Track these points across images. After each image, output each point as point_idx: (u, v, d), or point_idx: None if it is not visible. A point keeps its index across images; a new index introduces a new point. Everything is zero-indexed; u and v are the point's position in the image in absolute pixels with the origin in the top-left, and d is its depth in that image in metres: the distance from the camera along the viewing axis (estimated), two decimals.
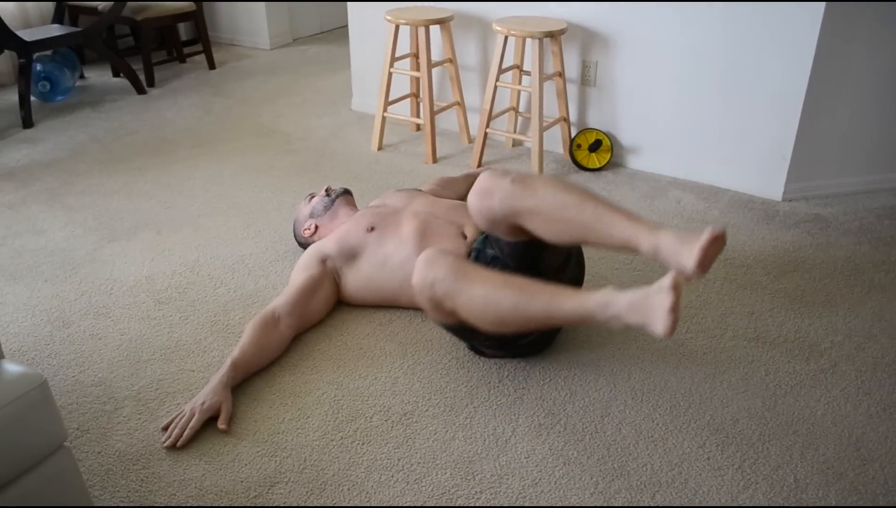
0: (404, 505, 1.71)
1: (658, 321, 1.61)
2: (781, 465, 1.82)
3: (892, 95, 3.13)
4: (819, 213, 3.10)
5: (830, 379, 2.12)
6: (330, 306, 2.39)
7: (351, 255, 2.39)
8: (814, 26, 2.90)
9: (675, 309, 1.59)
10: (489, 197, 1.90)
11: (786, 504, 1.71)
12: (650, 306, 1.63)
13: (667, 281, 1.61)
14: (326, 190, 2.68)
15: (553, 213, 1.82)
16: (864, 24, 2.94)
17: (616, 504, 1.71)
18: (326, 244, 2.44)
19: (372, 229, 2.39)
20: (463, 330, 2.03)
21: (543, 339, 2.16)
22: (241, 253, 2.78)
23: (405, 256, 2.30)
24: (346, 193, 2.68)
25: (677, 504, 1.71)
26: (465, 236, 2.30)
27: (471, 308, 1.86)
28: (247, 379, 2.10)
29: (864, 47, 3.00)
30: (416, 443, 1.89)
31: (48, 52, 4.51)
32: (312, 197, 2.70)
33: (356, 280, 2.39)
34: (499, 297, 1.81)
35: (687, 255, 1.60)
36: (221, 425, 1.92)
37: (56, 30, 4.45)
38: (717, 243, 1.61)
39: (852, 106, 3.12)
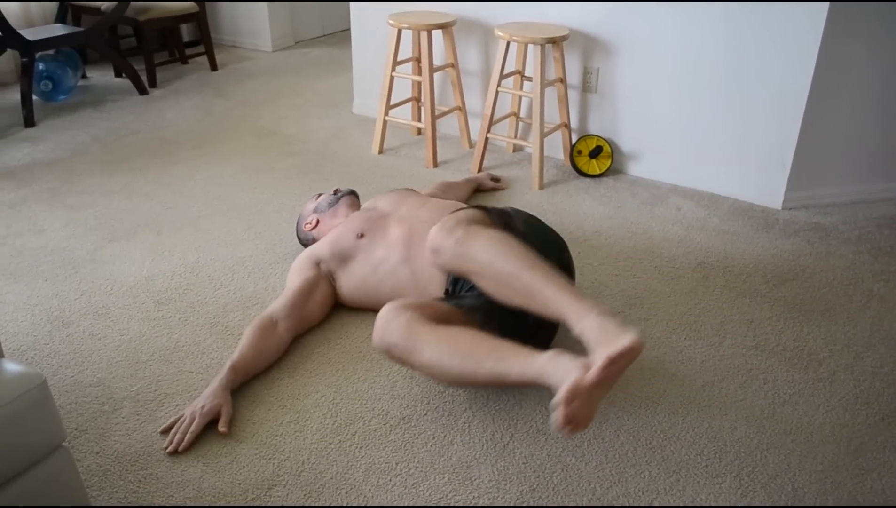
0: (401, 506, 1.72)
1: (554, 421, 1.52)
2: (780, 473, 1.82)
3: (893, 105, 3.14)
4: (819, 222, 3.10)
5: (829, 388, 2.12)
6: (327, 308, 2.40)
7: (343, 258, 2.39)
8: (815, 35, 2.90)
9: (569, 422, 1.50)
10: (438, 256, 1.92)
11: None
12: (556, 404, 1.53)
13: (562, 391, 1.51)
14: (335, 191, 2.70)
15: (493, 279, 1.83)
16: (865, 35, 2.95)
17: (614, 506, 1.72)
18: (319, 248, 2.45)
19: (361, 235, 2.39)
20: None
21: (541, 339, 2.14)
22: (241, 255, 2.78)
23: (394, 263, 2.30)
24: (353, 193, 2.70)
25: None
26: None
27: (425, 372, 1.84)
28: (245, 382, 2.10)
29: (865, 57, 3.00)
30: (415, 447, 1.89)
31: (51, 52, 4.51)
32: (320, 195, 2.73)
33: (350, 283, 2.39)
34: (447, 364, 1.77)
35: (598, 356, 1.54)
36: (222, 428, 1.92)
37: (59, 29, 4.45)
38: (628, 356, 1.54)
39: (853, 115, 3.12)
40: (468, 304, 2.00)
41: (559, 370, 1.58)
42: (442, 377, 1.80)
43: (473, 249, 1.84)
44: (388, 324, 1.84)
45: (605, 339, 1.58)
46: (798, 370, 2.20)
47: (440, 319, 1.88)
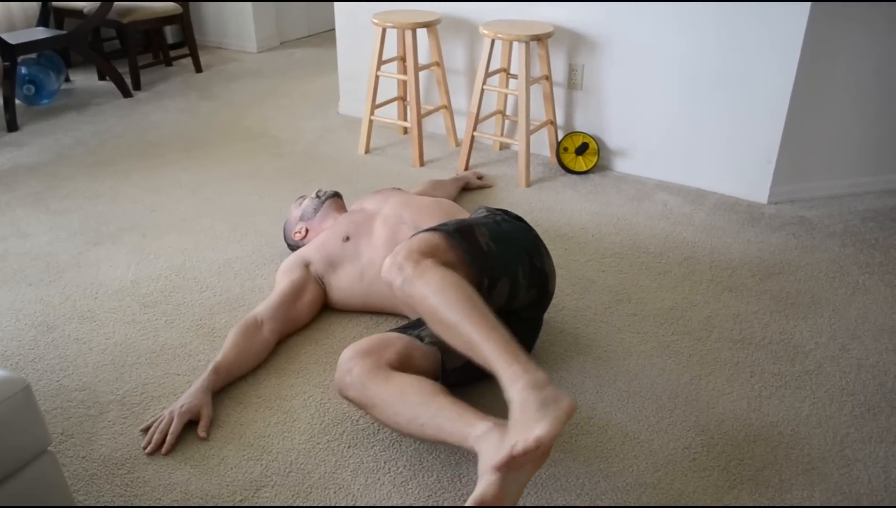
0: (391, 506, 1.72)
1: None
2: (766, 466, 1.83)
3: (877, 99, 3.15)
4: (804, 215, 3.12)
5: (815, 380, 2.13)
6: (315, 310, 2.39)
7: (331, 264, 2.39)
8: (798, 31, 2.92)
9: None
10: (391, 289, 1.84)
11: (771, 504, 1.72)
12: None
13: (478, 489, 1.47)
14: (317, 192, 2.68)
15: (436, 326, 1.77)
16: (848, 29, 2.96)
17: (602, 505, 1.72)
18: (308, 251, 2.44)
19: (347, 238, 2.39)
20: None
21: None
22: (227, 257, 2.77)
23: (377, 269, 2.31)
24: (336, 195, 2.68)
25: (663, 504, 1.72)
26: None
27: (383, 424, 1.81)
28: (232, 383, 2.09)
29: (848, 52, 3.02)
30: (403, 446, 1.88)
31: (33, 55, 4.48)
32: (303, 199, 2.70)
33: (340, 287, 2.39)
34: (396, 423, 1.74)
35: (507, 442, 1.49)
36: (201, 433, 1.91)
37: (41, 32, 4.42)
38: (531, 454, 1.46)
39: (837, 110, 3.14)
40: (430, 334, 1.94)
41: (486, 453, 1.53)
42: (398, 432, 1.79)
43: (418, 293, 1.77)
44: (344, 377, 1.82)
45: (521, 421, 1.51)
46: (784, 362, 2.21)
47: (398, 360, 1.85)
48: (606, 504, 1.72)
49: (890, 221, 3.07)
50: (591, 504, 1.72)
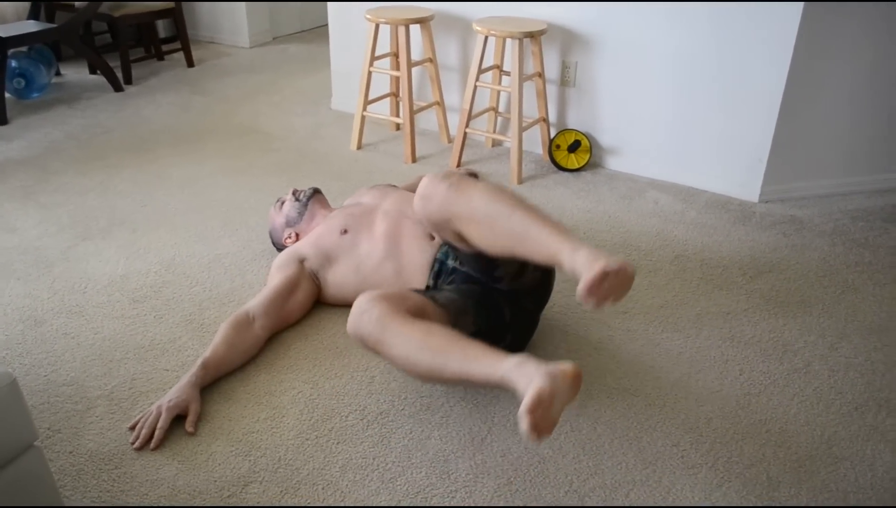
0: (379, 505, 1.71)
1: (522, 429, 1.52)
2: (755, 463, 1.83)
3: (868, 99, 3.16)
4: (795, 214, 3.12)
5: (804, 379, 2.14)
6: (307, 307, 2.38)
7: (327, 258, 2.38)
8: (791, 31, 2.92)
9: (535, 430, 1.48)
10: (428, 202, 1.89)
11: (759, 501, 1.72)
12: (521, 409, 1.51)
13: (526, 400, 1.49)
14: (294, 193, 2.64)
15: (484, 221, 1.81)
16: (839, 30, 2.97)
17: (591, 502, 1.72)
18: (303, 247, 2.43)
19: (345, 231, 2.38)
20: None
21: (515, 344, 2.14)
22: (217, 252, 2.77)
23: (378, 258, 2.30)
24: (317, 192, 2.65)
25: (651, 503, 1.72)
26: (432, 238, 2.29)
27: (394, 364, 1.82)
28: (221, 379, 2.09)
29: (839, 52, 3.03)
30: (392, 442, 1.88)
31: (23, 49, 4.46)
32: (283, 203, 2.66)
33: (335, 282, 2.38)
34: (416, 360, 1.76)
35: (584, 277, 1.57)
36: (189, 428, 1.90)
37: (32, 26, 4.40)
38: (611, 279, 1.56)
39: (828, 109, 3.15)
40: (444, 298, 2.00)
41: (523, 377, 1.57)
42: (411, 372, 1.79)
43: (466, 192, 1.83)
44: (362, 316, 1.83)
45: (594, 262, 1.59)
46: (773, 360, 2.21)
47: (414, 311, 1.87)
48: (596, 502, 1.72)
49: (879, 220, 3.08)
50: (580, 503, 1.72)
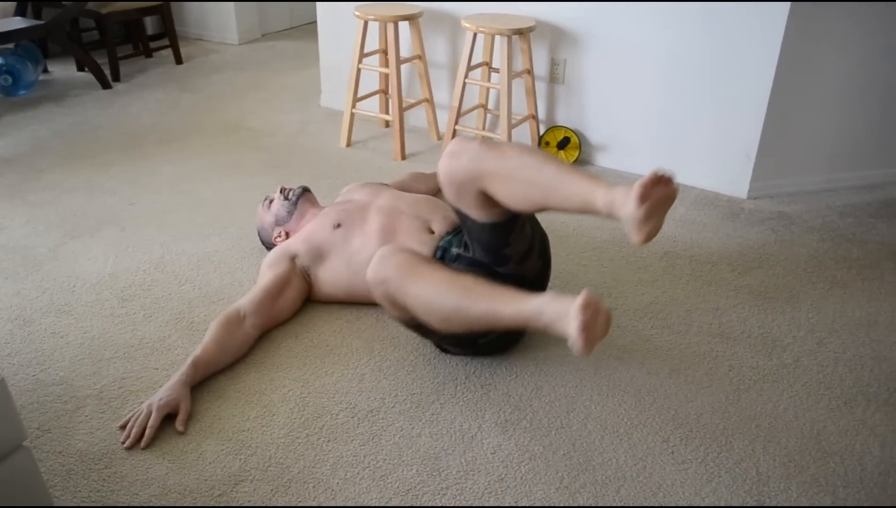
0: (370, 505, 1.71)
1: (572, 342, 1.59)
2: (744, 458, 1.84)
3: (855, 95, 3.18)
4: (783, 211, 3.14)
5: (793, 374, 2.15)
6: (298, 304, 2.37)
7: (319, 254, 2.37)
8: (778, 27, 2.93)
9: (586, 329, 1.55)
10: (457, 158, 1.91)
11: (749, 496, 1.73)
12: (568, 323, 1.60)
13: (578, 299, 1.57)
14: (282, 191, 2.63)
15: (515, 174, 1.83)
16: (827, 26, 2.98)
17: (581, 498, 1.72)
18: (294, 243, 2.42)
19: (338, 225, 2.38)
20: (420, 328, 2.03)
21: (505, 339, 2.16)
22: (206, 250, 2.76)
23: (370, 253, 2.29)
24: (306, 191, 2.64)
25: (641, 500, 1.72)
26: (431, 232, 2.30)
27: (418, 306, 1.86)
28: (211, 377, 2.08)
29: (827, 49, 3.04)
30: (383, 440, 1.88)
31: (10, 46, 4.42)
32: (271, 201, 2.64)
33: (326, 278, 2.38)
34: (443, 297, 1.81)
35: (632, 200, 1.60)
36: (179, 427, 1.89)
37: (18, 22, 4.37)
38: (660, 186, 1.61)
39: (816, 106, 3.16)
40: (457, 268, 2.03)
41: (561, 302, 1.64)
42: (434, 312, 1.82)
43: (497, 147, 1.88)
44: (386, 259, 1.88)
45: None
46: (762, 356, 2.22)
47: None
48: (587, 499, 1.73)
49: (867, 216, 3.10)
50: (570, 499, 1.73)
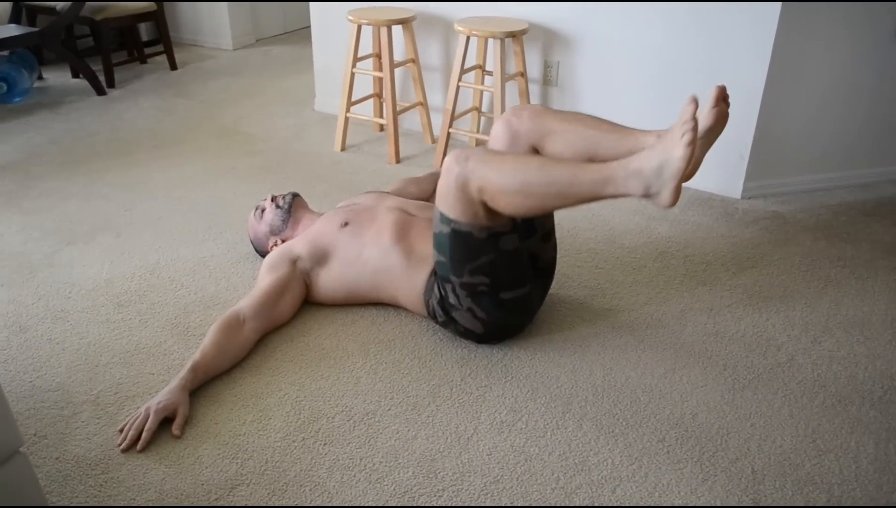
0: (366, 506, 1.71)
1: (675, 152, 1.71)
2: (740, 457, 1.85)
3: (848, 95, 3.19)
4: (777, 210, 3.15)
5: (787, 373, 2.15)
6: (297, 307, 2.37)
7: (323, 256, 2.37)
8: (770, 27, 2.94)
9: (692, 142, 1.69)
10: (520, 118, 2.14)
11: (745, 495, 1.73)
12: (670, 139, 1.73)
13: (685, 113, 1.72)
14: (273, 200, 2.62)
15: (572, 127, 2.08)
16: (819, 26, 2.99)
17: (577, 499, 1.73)
18: (297, 245, 2.41)
19: (346, 224, 2.38)
20: (468, 253, 2.07)
21: (513, 323, 2.21)
22: (202, 255, 2.76)
23: (384, 246, 2.30)
24: (296, 196, 2.63)
25: (637, 500, 1.73)
26: None
27: (499, 175, 1.93)
28: (207, 382, 2.08)
29: (819, 48, 3.05)
30: (379, 442, 1.88)
31: (5, 53, 4.43)
32: (262, 211, 2.63)
33: (327, 281, 2.38)
34: (523, 164, 1.94)
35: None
36: (175, 431, 1.89)
37: (13, 30, 4.38)
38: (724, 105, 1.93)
39: (809, 105, 3.17)
40: None
41: (644, 143, 1.90)
42: (514, 180, 1.91)
43: (551, 110, 2.17)
44: (465, 162, 1.97)
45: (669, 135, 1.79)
46: (757, 355, 2.23)
47: None
48: (583, 499, 1.73)
49: (861, 215, 3.11)
50: (566, 500, 1.73)
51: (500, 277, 2.10)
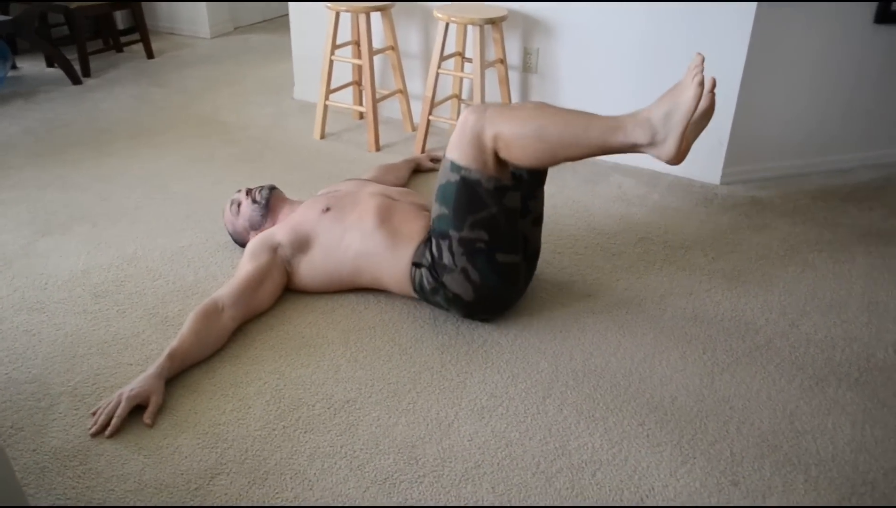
0: (347, 494, 1.71)
1: (686, 93, 1.80)
2: (718, 440, 1.86)
3: (826, 80, 3.21)
4: (755, 195, 3.17)
5: (766, 355, 2.17)
6: (277, 295, 2.36)
7: (304, 242, 2.36)
8: (748, 14, 2.95)
9: (702, 83, 1.78)
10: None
11: (723, 477, 1.75)
12: (678, 88, 1.84)
13: (694, 61, 1.83)
14: (248, 194, 2.58)
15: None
16: (796, 13, 3.00)
17: (558, 483, 1.73)
18: (278, 233, 2.40)
19: (327, 209, 2.38)
20: (474, 202, 2.12)
21: (504, 297, 2.23)
22: (179, 244, 2.74)
23: (366, 229, 2.30)
24: (274, 189, 2.60)
25: (617, 482, 1.74)
26: (426, 210, 2.36)
27: (516, 122, 2.01)
28: (186, 371, 2.07)
29: (798, 34, 3.06)
30: (359, 430, 1.88)
31: None
32: (238, 204, 2.60)
33: (308, 268, 2.36)
34: (542, 109, 2.01)
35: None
36: (147, 419, 1.88)
37: None
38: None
39: (787, 91, 3.19)
40: None
41: (661, 99, 1.90)
42: (531, 124, 1.99)
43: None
44: (483, 114, 2.05)
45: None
46: (736, 338, 2.24)
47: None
48: (563, 483, 1.74)
49: (838, 200, 3.13)
50: (548, 488, 1.74)
51: (499, 235, 2.14)
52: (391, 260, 2.28)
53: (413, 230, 2.28)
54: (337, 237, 2.33)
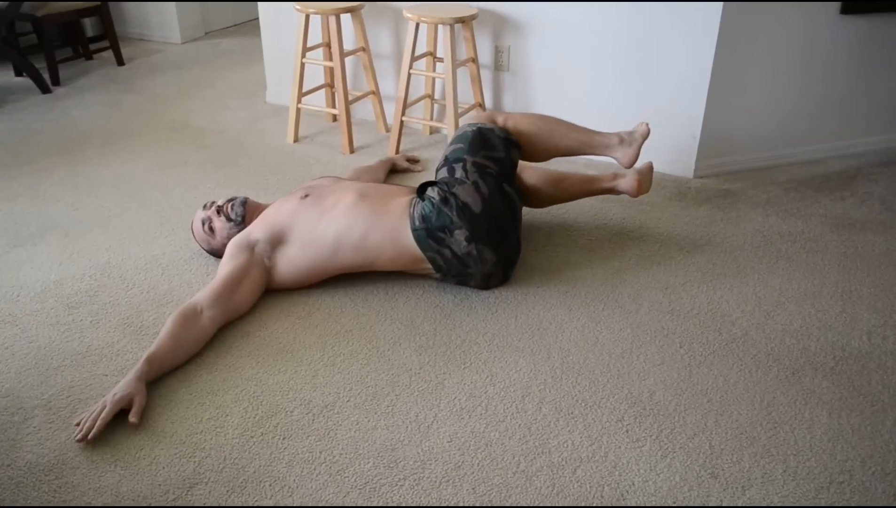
0: (327, 500, 1.70)
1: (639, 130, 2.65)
2: (697, 433, 1.87)
3: (795, 72, 3.23)
4: (728, 188, 3.19)
5: (742, 347, 2.18)
6: (257, 296, 2.35)
7: (281, 234, 2.35)
8: (716, 7, 2.97)
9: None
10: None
11: (703, 470, 1.76)
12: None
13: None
14: (219, 211, 2.54)
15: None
16: (765, 6, 3.02)
17: (538, 481, 1.73)
18: (254, 230, 2.39)
19: (306, 196, 2.40)
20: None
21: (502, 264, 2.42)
22: (153, 253, 2.71)
23: (346, 205, 2.35)
24: (246, 202, 2.57)
25: (598, 479, 1.74)
26: (410, 192, 2.46)
27: (529, 122, 2.59)
28: (161, 379, 2.05)
29: (765, 28, 3.08)
30: (338, 434, 1.87)
31: None
32: (210, 223, 2.55)
33: (287, 262, 2.35)
34: (547, 119, 2.64)
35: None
36: (133, 418, 1.87)
37: None
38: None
39: (757, 84, 3.21)
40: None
41: (624, 153, 2.65)
42: (539, 120, 2.60)
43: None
44: (496, 115, 2.60)
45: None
46: (712, 331, 2.26)
47: None
48: (544, 481, 1.74)
49: (810, 190, 3.16)
50: (529, 487, 1.74)
51: (506, 172, 2.44)
52: (379, 221, 2.33)
53: (398, 201, 2.37)
54: (314, 220, 2.34)
